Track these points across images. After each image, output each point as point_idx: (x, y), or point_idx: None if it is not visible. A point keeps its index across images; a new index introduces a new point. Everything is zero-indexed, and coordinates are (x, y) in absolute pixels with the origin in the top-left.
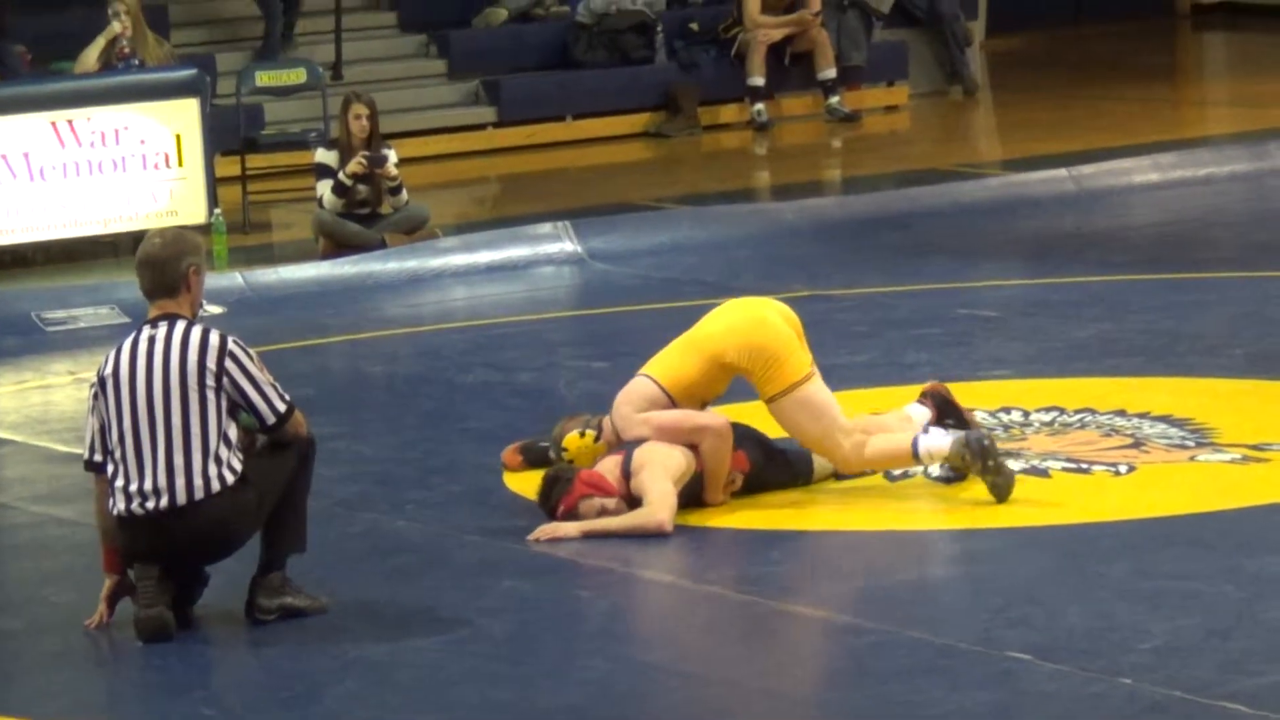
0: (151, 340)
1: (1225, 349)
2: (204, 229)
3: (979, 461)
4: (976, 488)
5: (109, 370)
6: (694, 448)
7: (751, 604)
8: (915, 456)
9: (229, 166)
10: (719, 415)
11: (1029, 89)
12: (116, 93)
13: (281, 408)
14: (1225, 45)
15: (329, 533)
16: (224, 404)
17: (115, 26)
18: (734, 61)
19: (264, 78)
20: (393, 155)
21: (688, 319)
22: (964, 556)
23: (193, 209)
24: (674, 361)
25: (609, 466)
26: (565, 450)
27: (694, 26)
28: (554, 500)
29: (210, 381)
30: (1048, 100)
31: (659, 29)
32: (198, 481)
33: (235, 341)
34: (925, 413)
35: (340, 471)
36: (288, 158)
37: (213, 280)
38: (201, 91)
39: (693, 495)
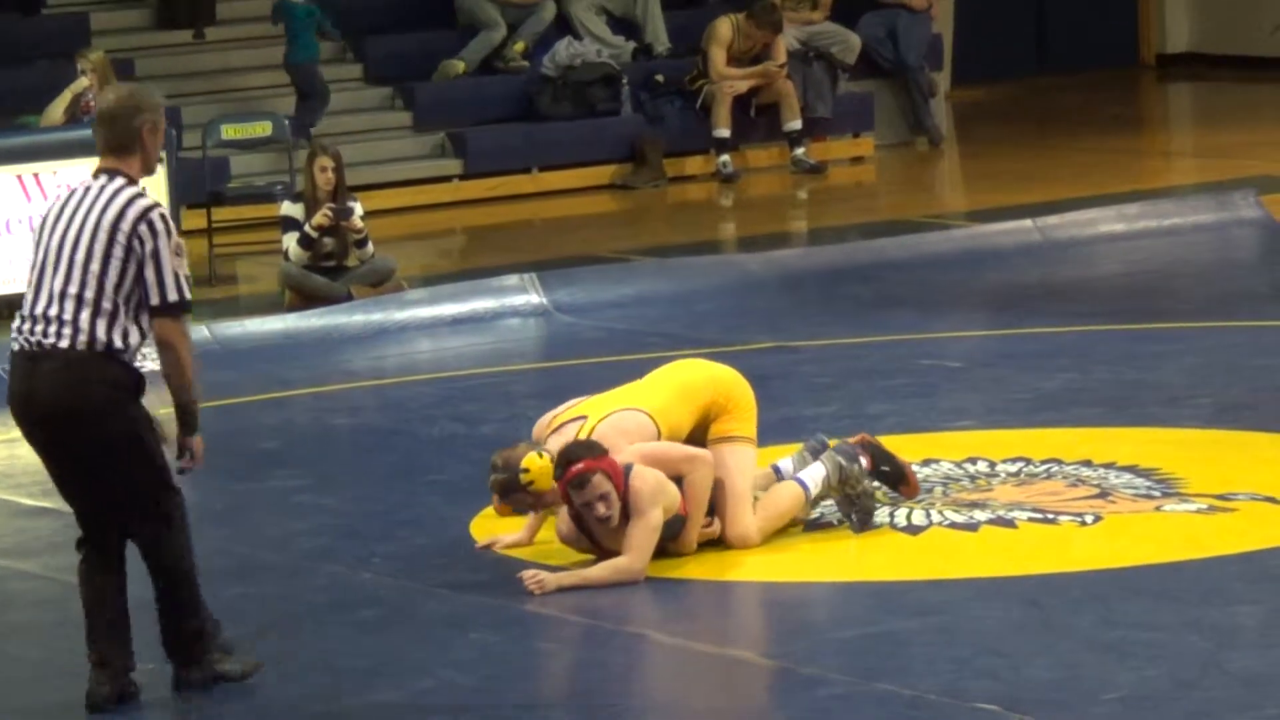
0: (86, 190)
1: (1191, 399)
2: None
3: (855, 463)
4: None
5: (43, 213)
6: (676, 481)
7: (718, 656)
8: (807, 494)
9: (195, 219)
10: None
11: (994, 140)
12: (83, 146)
13: (174, 297)
14: (1190, 95)
15: (294, 586)
16: (130, 269)
17: (82, 80)
18: (699, 113)
19: (230, 131)
20: (358, 208)
21: (653, 371)
22: (931, 607)
23: None
24: (672, 407)
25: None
26: (526, 470)
27: (659, 78)
28: (578, 457)
29: (121, 240)
30: (1013, 151)
31: (624, 81)
32: (84, 326)
33: (161, 215)
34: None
35: (306, 524)
36: (253, 210)
37: None
38: (167, 144)
39: (660, 544)
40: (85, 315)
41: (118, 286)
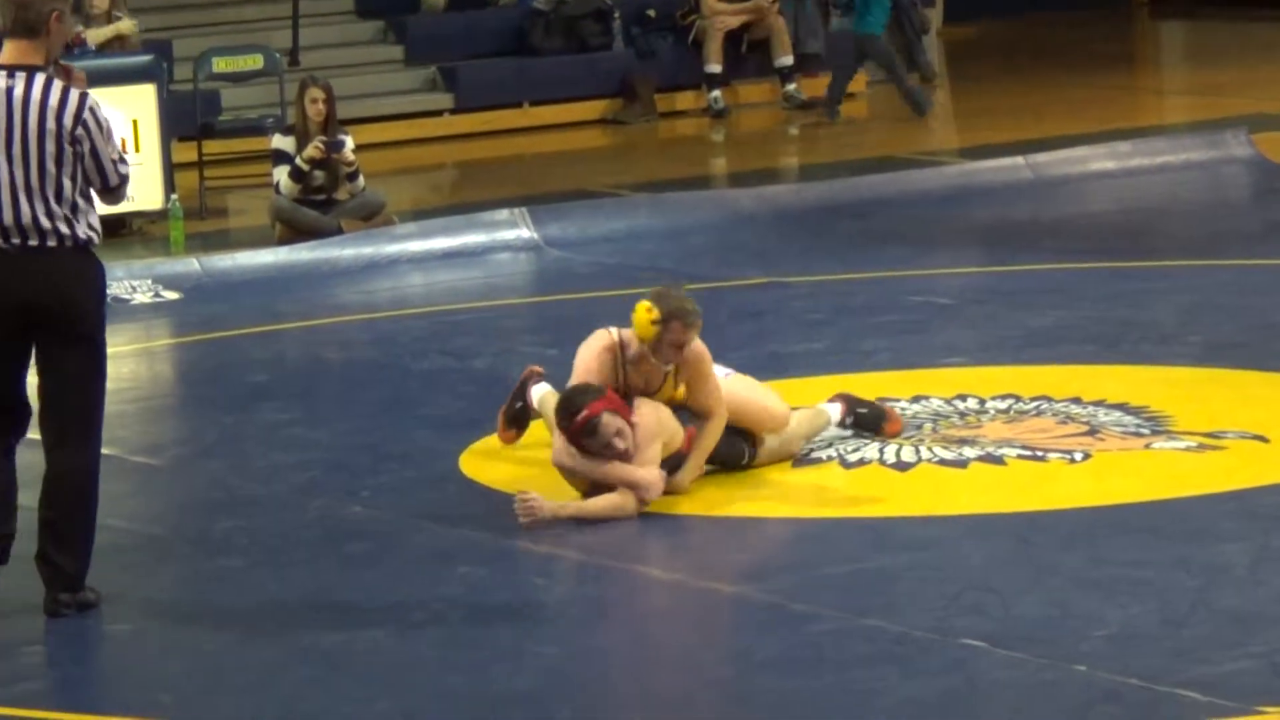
0: (9, 91)
1: (1180, 337)
2: (161, 214)
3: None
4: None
5: None
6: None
7: (709, 591)
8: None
9: (186, 152)
10: None
11: (986, 77)
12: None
13: (114, 181)
14: (1183, 33)
15: (283, 518)
16: (80, 165)
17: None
18: (691, 48)
19: (221, 64)
20: (349, 141)
21: None
22: (919, 543)
23: (149, 195)
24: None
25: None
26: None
27: (651, 13)
28: (579, 405)
29: (67, 139)
30: (1005, 88)
31: (616, 16)
32: (61, 227)
33: (91, 107)
34: (836, 408)
35: (295, 458)
36: (245, 144)
37: (169, 265)
38: (158, 77)
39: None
40: (60, 215)
41: (73, 179)
